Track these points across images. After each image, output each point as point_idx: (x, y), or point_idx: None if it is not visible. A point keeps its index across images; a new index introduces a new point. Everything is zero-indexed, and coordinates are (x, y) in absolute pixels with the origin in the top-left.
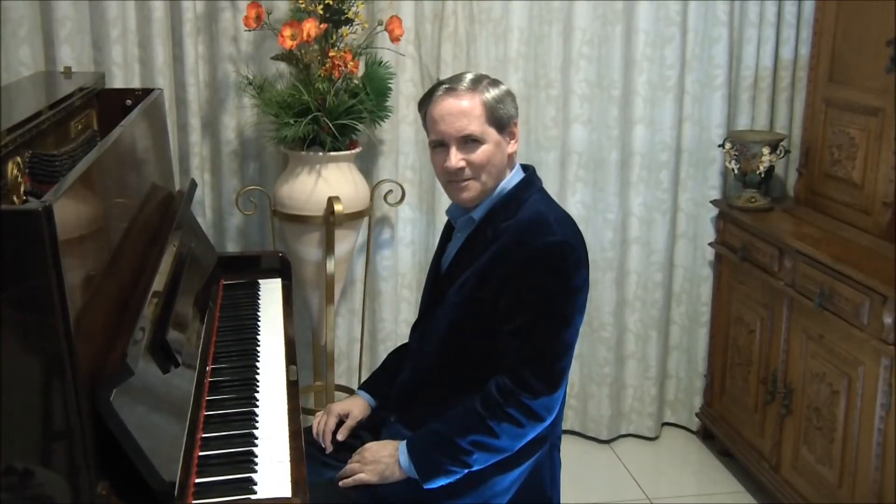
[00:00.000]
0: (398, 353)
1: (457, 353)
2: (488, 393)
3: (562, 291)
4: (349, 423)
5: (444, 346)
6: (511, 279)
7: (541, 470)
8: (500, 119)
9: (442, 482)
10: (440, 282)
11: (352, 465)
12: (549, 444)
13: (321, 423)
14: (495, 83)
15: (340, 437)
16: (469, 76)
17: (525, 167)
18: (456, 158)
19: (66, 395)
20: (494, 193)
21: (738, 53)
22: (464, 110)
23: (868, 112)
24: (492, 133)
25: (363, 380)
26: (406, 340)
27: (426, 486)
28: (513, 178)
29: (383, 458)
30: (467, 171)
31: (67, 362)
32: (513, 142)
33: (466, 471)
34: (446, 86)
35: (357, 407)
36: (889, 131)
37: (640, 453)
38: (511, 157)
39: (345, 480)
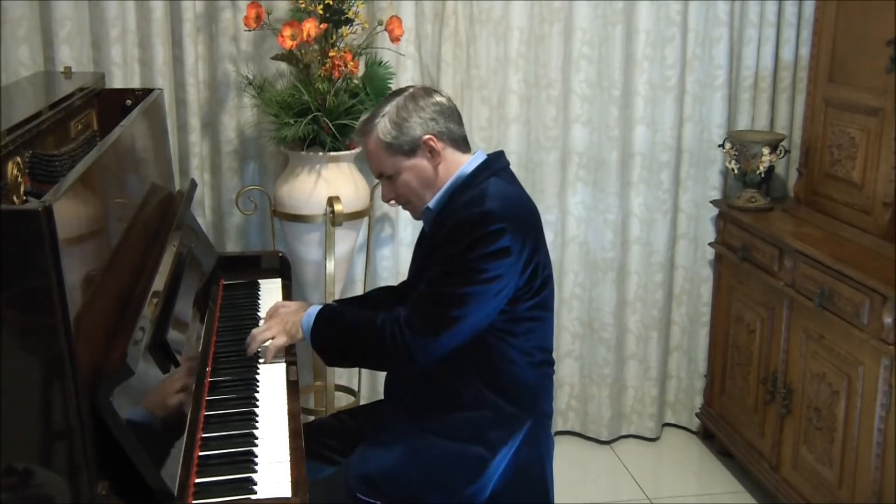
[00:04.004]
0: (382, 290)
1: None
2: (392, 312)
3: (474, 253)
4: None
5: None
6: (436, 249)
7: (524, 451)
8: (403, 146)
9: (333, 358)
10: (416, 271)
11: (262, 333)
12: (530, 423)
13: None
14: (404, 105)
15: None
16: (372, 117)
17: (492, 155)
18: (385, 194)
19: (66, 395)
20: (449, 183)
21: (738, 53)
22: (370, 153)
23: (868, 112)
24: (401, 162)
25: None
26: None
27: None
28: (469, 164)
29: (290, 317)
30: (400, 199)
31: (67, 362)
32: (435, 155)
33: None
34: (356, 133)
35: None
36: (889, 131)
37: (640, 454)
38: (438, 168)
39: (266, 355)
